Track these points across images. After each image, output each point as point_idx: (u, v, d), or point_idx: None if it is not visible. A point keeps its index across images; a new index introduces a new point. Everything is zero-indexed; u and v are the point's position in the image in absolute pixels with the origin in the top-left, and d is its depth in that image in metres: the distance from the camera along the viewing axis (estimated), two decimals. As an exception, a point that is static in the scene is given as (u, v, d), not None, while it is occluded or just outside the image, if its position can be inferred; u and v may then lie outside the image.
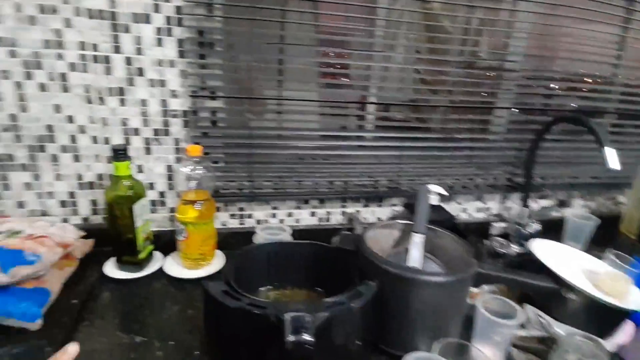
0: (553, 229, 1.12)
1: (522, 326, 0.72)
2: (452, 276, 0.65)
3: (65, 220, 0.91)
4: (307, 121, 0.99)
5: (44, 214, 0.90)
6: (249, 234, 1.00)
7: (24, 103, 0.81)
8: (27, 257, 0.68)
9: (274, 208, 1.03)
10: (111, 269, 0.86)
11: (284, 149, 0.96)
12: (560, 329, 0.70)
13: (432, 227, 0.78)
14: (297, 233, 0.96)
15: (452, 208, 1.15)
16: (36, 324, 0.65)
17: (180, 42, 0.84)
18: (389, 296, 0.64)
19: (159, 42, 0.83)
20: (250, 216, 1.02)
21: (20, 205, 0.88)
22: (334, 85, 1.02)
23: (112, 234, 0.83)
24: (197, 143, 0.91)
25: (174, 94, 0.87)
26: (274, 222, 1.03)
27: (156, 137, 0.89)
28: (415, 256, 0.74)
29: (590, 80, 1.19)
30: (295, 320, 0.52)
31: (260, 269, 0.79)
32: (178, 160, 0.92)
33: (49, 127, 0.84)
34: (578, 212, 1.20)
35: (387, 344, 0.68)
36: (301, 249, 0.79)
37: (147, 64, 0.84)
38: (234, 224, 1.01)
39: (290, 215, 1.05)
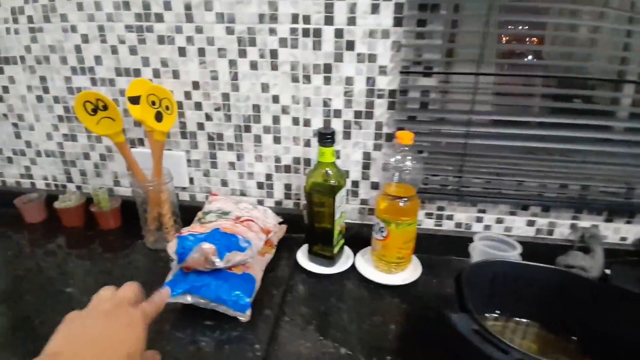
0: None
1: None
2: None
3: (260, 202, 0.90)
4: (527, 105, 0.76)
5: (242, 193, 0.90)
6: (447, 238, 0.85)
7: (236, 82, 0.80)
8: (241, 243, 0.66)
9: (481, 211, 0.84)
10: (303, 259, 0.81)
11: (507, 140, 0.76)
12: None
13: None
14: (514, 246, 0.76)
15: None
16: (246, 315, 0.62)
17: (399, 6, 0.70)
18: None
19: (375, 9, 0.71)
20: (450, 217, 0.86)
21: (224, 183, 0.90)
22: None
23: (308, 223, 0.78)
24: (400, 128, 0.78)
25: (382, 70, 0.75)
26: (486, 232, 0.85)
27: (357, 120, 0.79)
28: None
29: None
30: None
31: (482, 289, 0.62)
32: (376, 147, 0.81)
33: (256, 107, 0.82)
34: None
35: None
36: (537, 273, 0.60)
37: (358, 36, 0.73)
38: (428, 224, 0.87)
39: (500, 221, 0.85)
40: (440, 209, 0.85)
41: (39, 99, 0.90)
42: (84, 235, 0.89)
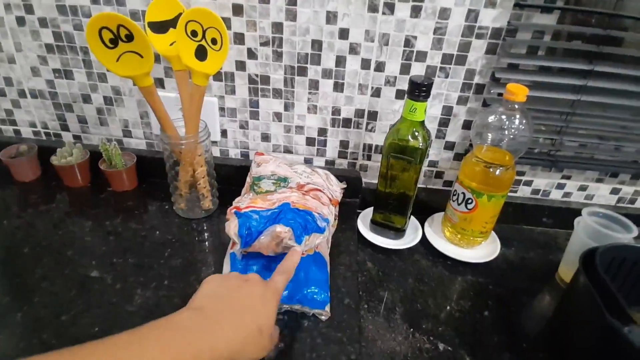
0: None
1: None
2: None
3: (307, 161, 0.76)
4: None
5: (287, 150, 0.75)
6: (521, 207, 0.76)
7: (293, 8, 0.61)
8: (319, 222, 0.53)
9: (565, 177, 0.74)
10: (365, 230, 0.69)
11: (624, 98, 0.63)
12: None
13: None
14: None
15: None
16: (327, 312, 0.51)
17: None
18: None
19: None
20: (528, 183, 0.75)
21: (265, 138, 0.74)
22: None
23: (380, 187, 0.65)
24: (497, 79, 0.63)
25: (491, 2, 0.58)
26: (594, 208, 0.76)
27: (444, 65, 0.64)
28: None
29: None
30: None
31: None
32: (460, 100, 0.67)
33: (316, 44, 0.64)
34: None
35: None
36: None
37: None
38: (502, 190, 0.76)
39: (582, 189, 0.75)
40: (520, 173, 0.74)
41: (20, 21, 0.67)
42: (95, 198, 0.73)
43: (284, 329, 0.50)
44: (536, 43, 0.61)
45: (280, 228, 0.50)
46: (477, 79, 0.65)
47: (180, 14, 0.58)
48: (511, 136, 0.59)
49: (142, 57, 0.51)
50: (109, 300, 0.53)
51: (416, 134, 0.59)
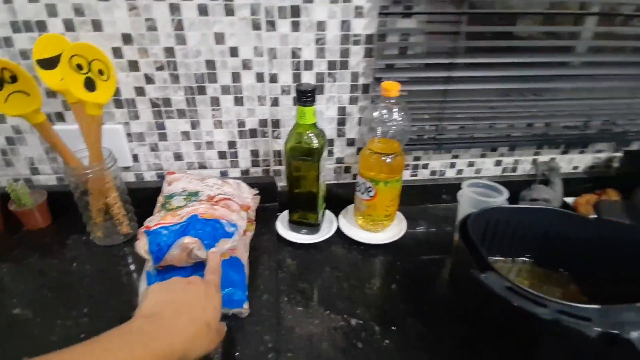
0: None
1: None
2: None
3: (223, 174, 0.79)
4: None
5: (202, 166, 0.78)
6: (423, 188, 0.85)
7: (181, 32, 0.65)
8: (227, 228, 0.57)
9: (454, 157, 0.84)
10: (284, 230, 0.74)
11: (484, 83, 0.74)
12: None
13: None
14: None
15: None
16: (245, 309, 0.55)
17: None
18: None
19: (347, -63, 0.60)
20: (425, 167, 0.85)
21: (178, 157, 0.77)
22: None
23: (288, 189, 0.70)
24: (378, 78, 0.71)
25: (359, 12, 0.66)
26: (473, 179, 0.86)
27: (331, 71, 0.71)
28: None
29: None
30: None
31: (476, 236, 0.63)
32: (352, 100, 0.74)
33: (210, 64, 0.68)
34: None
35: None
36: (534, 215, 0.62)
37: (329, -29, 0.62)
38: (405, 175, 0.85)
39: (471, 164, 0.86)
40: (416, 159, 0.83)
41: None
42: (9, 240, 0.71)
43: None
44: (405, 44, 0.70)
45: (188, 239, 0.53)
46: (362, 80, 0.72)
47: (67, 49, 0.60)
48: (394, 127, 0.66)
49: (28, 95, 0.52)
50: (31, 333, 0.53)
51: (310, 135, 0.65)
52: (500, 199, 0.69)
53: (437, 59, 0.70)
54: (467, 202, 0.70)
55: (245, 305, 0.56)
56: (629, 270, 0.54)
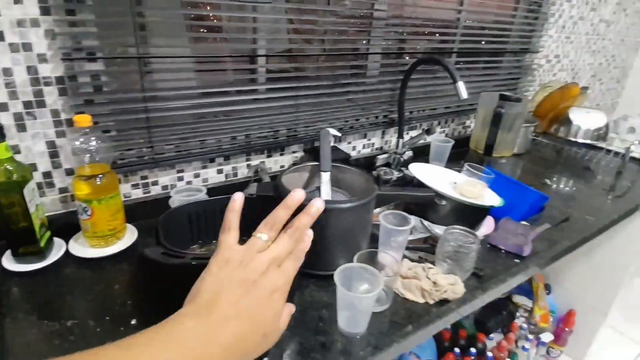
0: (422, 153, 1.36)
1: (411, 232, 0.91)
2: (360, 200, 0.78)
3: None
4: (183, 79, 0.97)
5: None
6: (157, 201, 0.99)
7: None
8: None
9: (180, 171, 1.01)
10: (10, 264, 0.77)
11: (183, 110, 0.94)
12: (438, 229, 0.91)
13: (335, 164, 0.89)
14: (209, 192, 0.98)
15: (345, 147, 1.29)
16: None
17: (41, -4, 0.72)
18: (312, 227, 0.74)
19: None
20: (155, 183, 0.99)
21: None
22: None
23: (3, 227, 0.73)
24: (80, 112, 0.82)
25: (42, 59, 0.76)
26: (184, 185, 1.03)
27: (29, 110, 0.78)
28: (326, 191, 0.85)
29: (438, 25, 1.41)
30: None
31: (184, 230, 0.80)
32: (60, 134, 0.83)
33: None
34: (438, 137, 1.47)
35: (314, 268, 0.79)
36: (220, 204, 0.83)
37: (6, 26, 0.71)
38: (137, 194, 0.97)
39: (197, 176, 1.05)
40: (144, 177, 0.97)
41: None
42: None
43: None
44: (98, 83, 0.83)
45: None
46: (64, 116, 0.82)
47: None
48: (94, 152, 0.78)
49: None
50: None
51: (9, 169, 0.70)
52: (201, 195, 0.88)
53: (131, 93, 0.86)
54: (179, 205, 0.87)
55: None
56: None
